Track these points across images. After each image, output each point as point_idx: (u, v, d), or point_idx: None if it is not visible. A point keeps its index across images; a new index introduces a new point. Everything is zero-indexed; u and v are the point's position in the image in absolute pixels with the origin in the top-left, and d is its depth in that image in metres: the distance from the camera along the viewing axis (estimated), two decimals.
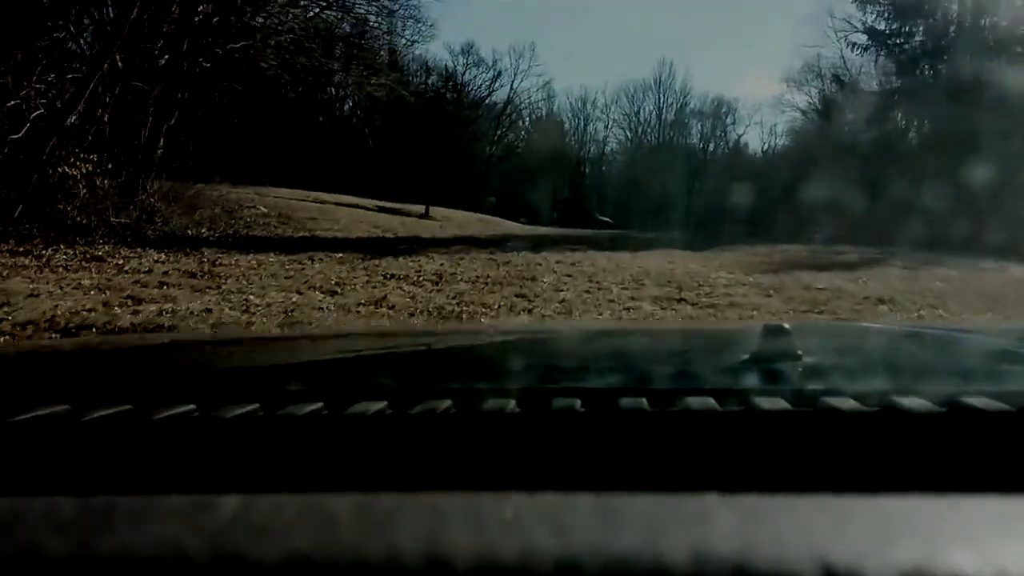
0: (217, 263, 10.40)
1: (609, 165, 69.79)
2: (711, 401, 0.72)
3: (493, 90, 52.68)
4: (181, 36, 15.29)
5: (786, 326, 1.05)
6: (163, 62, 16.11)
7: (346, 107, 47.72)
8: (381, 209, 28.42)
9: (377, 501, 0.48)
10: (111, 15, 15.60)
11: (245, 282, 9.05)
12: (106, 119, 14.43)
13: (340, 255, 12.25)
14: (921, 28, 26.86)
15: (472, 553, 0.42)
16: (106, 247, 11.15)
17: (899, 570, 0.41)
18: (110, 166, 13.97)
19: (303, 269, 10.50)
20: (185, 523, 0.44)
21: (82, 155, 13.17)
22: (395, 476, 0.58)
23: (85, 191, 13.01)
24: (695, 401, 0.72)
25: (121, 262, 10.02)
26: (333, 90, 46.67)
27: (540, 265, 12.86)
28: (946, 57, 22.97)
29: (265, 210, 17.87)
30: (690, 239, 19.53)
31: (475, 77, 49.91)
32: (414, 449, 0.64)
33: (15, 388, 0.96)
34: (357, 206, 27.86)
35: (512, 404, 0.72)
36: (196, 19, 15.95)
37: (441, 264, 12.27)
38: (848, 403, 0.71)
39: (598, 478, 0.54)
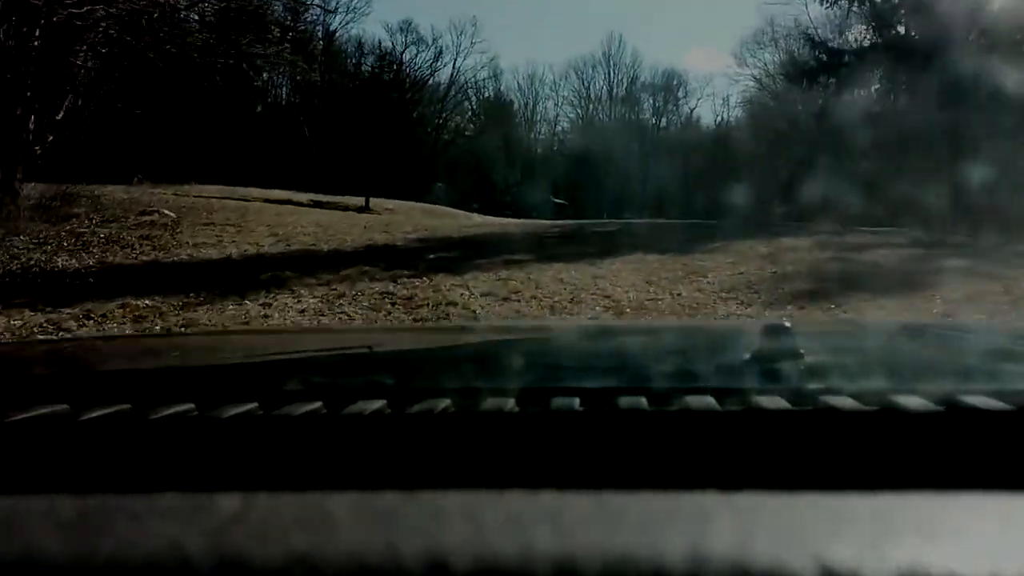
0: None
1: (561, 145, 67.94)
2: (710, 400, 0.73)
3: (436, 70, 50.02)
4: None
5: (786, 324, 1.07)
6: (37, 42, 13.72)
7: (283, 95, 45.26)
8: (316, 204, 26.27)
9: (377, 501, 0.49)
10: None
11: None
12: None
13: (147, 302, 8.54)
14: None
15: (471, 553, 0.42)
16: None
17: (897, 569, 0.42)
18: None
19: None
20: (184, 523, 0.45)
21: None
22: (394, 475, 0.56)
23: None
24: (694, 400, 0.73)
25: None
26: (268, 77, 44.15)
27: (455, 304, 8.81)
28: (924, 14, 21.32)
29: (171, 215, 15.64)
30: (660, 234, 15.16)
31: (415, 57, 47.46)
32: (413, 448, 0.64)
33: (14, 387, 0.96)
34: (290, 202, 25.67)
35: (511, 403, 0.73)
36: None
37: (303, 310, 8.62)
38: (847, 402, 0.72)
39: (597, 477, 0.54)
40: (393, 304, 8.81)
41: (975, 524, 0.50)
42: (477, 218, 30.03)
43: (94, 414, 0.68)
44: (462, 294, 9.20)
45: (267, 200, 24.51)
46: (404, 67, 40.28)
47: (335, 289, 9.42)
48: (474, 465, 0.61)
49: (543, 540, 0.43)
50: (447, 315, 8.12)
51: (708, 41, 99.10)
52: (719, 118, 67.14)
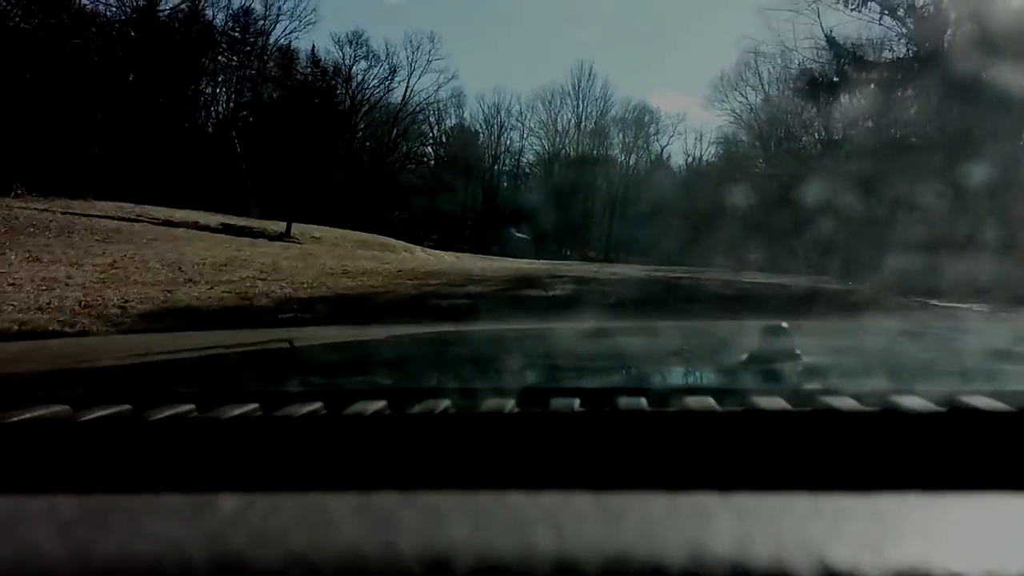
0: None
1: (525, 178, 64.80)
2: (710, 400, 0.74)
3: (388, 88, 46.21)
4: None
5: (784, 325, 1.08)
6: None
7: (220, 110, 41.60)
8: (226, 228, 22.52)
9: (377, 501, 0.49)
10: None
11: None
12: None
13: None
14: None
15: (472, 552, 0.43)
16: None
17: (896, 569, 0.42)
18: None
19: None
20: (184, 523, 0.46)
21: None
22: (394, 476, 0.57)
23: None
24: (694, 401, 0.74)
25: None
26: (209, 89, 40.53)
27: None
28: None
29: None
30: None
31: (365, 72, 43.59)
32: (413, 449, 0.64)
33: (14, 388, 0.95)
34: (196, 224, 21.89)
35: (511, 404, 0.73)
36: None
37: None
38: (847, 402, 0.73)
39: (597, 477, 0.54)
40: None
41: (975, 524, 0.50)
42: (420, 254, 26.48)
43: (94, 415, 0.68)
44: None
45: (167, 222, 20.78)
46: (351, 82, 37.02)
47: None
48: (474, 466, 0.60)
49: (544, 540, 0.43)
50: None
51: (680, 81, 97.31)
52: (690, 158, 64.50)
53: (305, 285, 9.01)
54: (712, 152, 59.66)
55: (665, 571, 0.41)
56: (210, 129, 39.87)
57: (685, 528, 0.46)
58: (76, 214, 17.95)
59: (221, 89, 41.83)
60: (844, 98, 23.79)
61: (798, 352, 1.02)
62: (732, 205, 52.19)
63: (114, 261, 9.92)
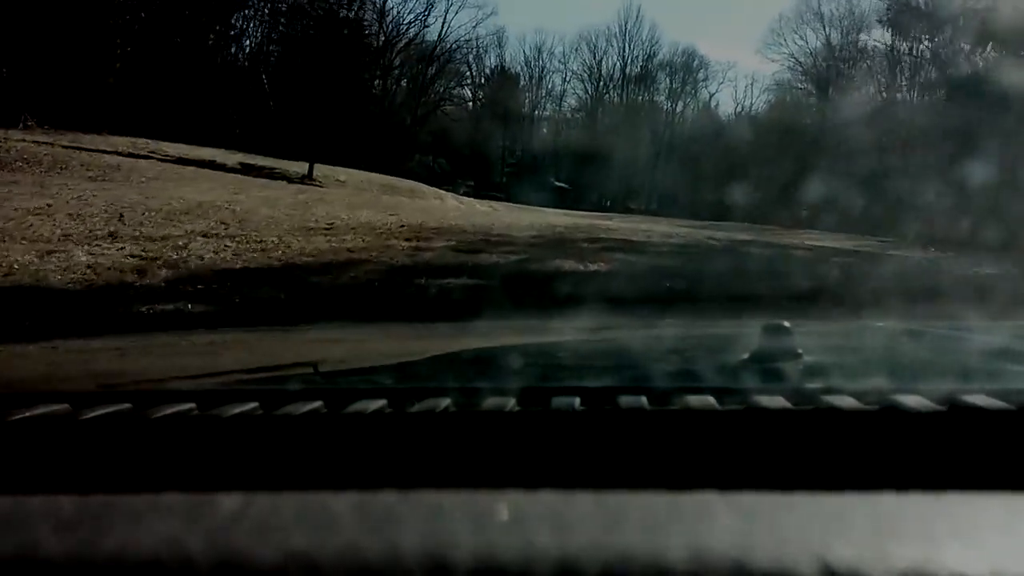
0: None
1: (566, 124, 62.46)
2: (711, 400, 0.73)
3: (426, 24, 43.70)
4: None
5: (786, 324, 1.07)
6: None
7: (252, 44, 40.00)
8: (244, 168, 21.14)
9: (377, 500, 0.49)
10: None
11: None
12: None
13: None
14: None
15: (472, 551, 0.43)
16: None
17: (899, 569, 0.42)
18: None
19: None
20: (184, 522, 0.46)
21: None
22: (395, 475, 0.56)
23: None
24: (695, 400, 0.73)
25: None
26: (232, 22, 38.86)
27: None
28: None
29: None
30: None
31: (400, 6, 40.97)
32: (413, 448, 0.64)
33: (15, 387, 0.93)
34: (211, 163, 20.53)
35: (512, 403, 0.73)
36: None
37: None
38: (848, 401, 0.73)
39: (598, 477, 0.54)
40: None
41: (977, 524, 0.50)
42: (451, 202, 24.83)
43: (95, 413, 0.68)
44: None
45: (180, 159, 19.42)
46: (384, 17, 34.89)
47: None
48: (475, 465, 0.59)
49: (544, 539, 0.44)
50: None
51: (731, 25, 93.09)
52: (740, 107, 61.58)
53: (259, 247, 6.74)
54: (764, 100, 56.79)
55: (667, 571, 0.41)
56: (243, 64, 38.43)
57: (686, 527, 0.46)
58: (80, 148, 16.65)
59: (253, 23, 40.29)
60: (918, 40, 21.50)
61: (799, 351, 1.02)
62: (784, 157, 49.68)
63: (50, 204, 8.28)
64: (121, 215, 7.26)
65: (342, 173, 24.49)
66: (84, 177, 12.37)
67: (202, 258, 6.07)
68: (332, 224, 7.89)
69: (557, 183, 58.25)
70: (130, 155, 17.66)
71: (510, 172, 58.64)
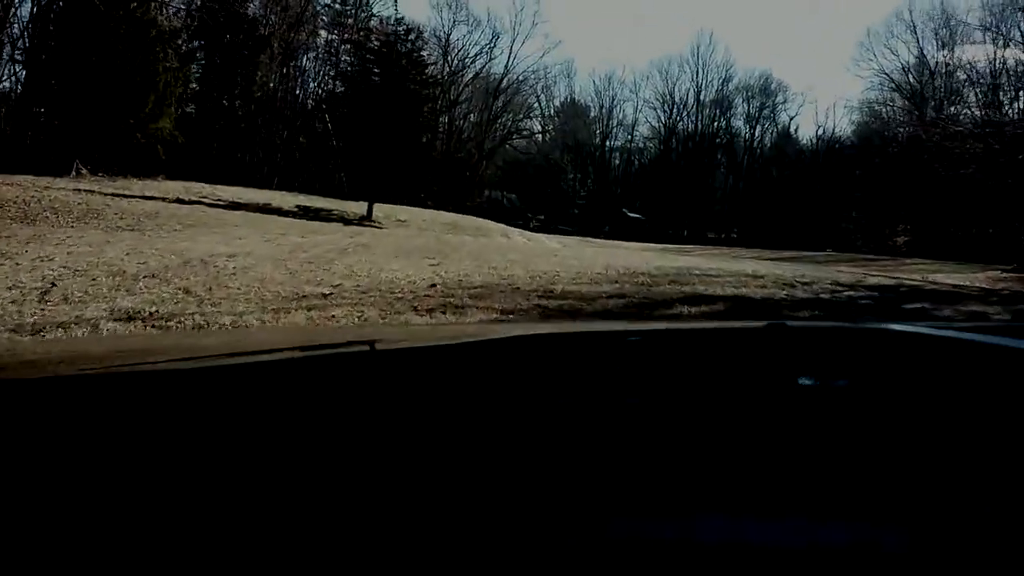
0: None
1: (638, 153, 60.63)
2: (711, 400, 0.74)
3: (491, 56, 42.61)
4: None
5: (788, 324, 1.10)
6: None
7: (315, 85, 39.71)
8: (302, 211, 20.04)
9: (376, 498, 0.49)
10: None
11: None
12: None
13: None
14: None
15: (475, 551, 0.42)
16: None
17: None
18: None
19: None
20: (184, 520, 0.45)
21: None
22: (395, 474, 0.56)
23: None
24: (696, 400, 0.74)
25: None
26: (298, 65, 38.60)
27: None
28: None
29: None
30: None
31: (465, 38, 40.07)
32: (413, 446, 0.62)
33: None
34: (266, 207, 19.51)
35: (513, 403, 0.73)
36: None
37: None
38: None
39: (598, 475, 0.54)
40: None
41: None
42: (518, 239, 23.22)
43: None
44: None
45: (233, 204, 18.40)
46: (448, 49, 33.90)
47: None
48: (476, 464, 0.57)
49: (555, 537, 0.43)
50: None
51: (809, 45, 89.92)
52: (821, 129, 58.76)
53: (195, 327, 4.69)
54: (849, 121, 53.94)
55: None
56: (304, 103, 38.04)
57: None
58: (124, 195, 15.71)
59: (316, 63, 40.01)
60: None
61: (799, 351, 1.04)
62: (873, 180, 46.76)
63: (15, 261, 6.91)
64: (54, 283, 5.73)
65: (404, 212, 23.27)
66: (109, 227, 11.23)
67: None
68: (337, 286, 6.12)
69: (631, 214, 56.41)
70: (176, 201, 16.67)
71: (582, 204, 57.11)
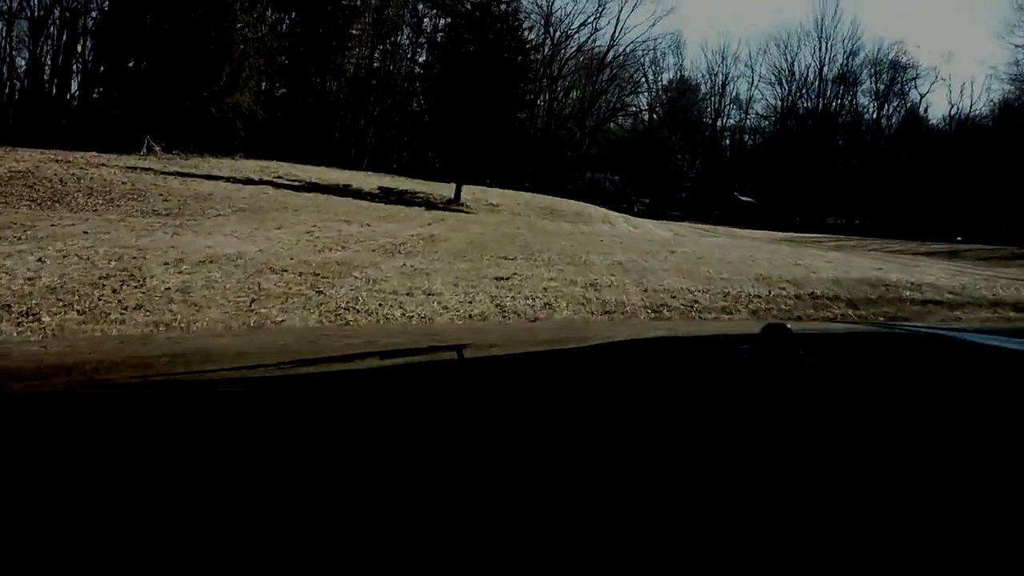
0: None
1: (752, 133, 56.76)
2: (712, 401, 0.74)
3: (596, 28, 39.64)
4: None
5: (788, 326, 1.09)
6: None
7: (412, 61, 37.98)
8: (384, 193, 18.20)
9: (375, 495, 0.49)
10: None
11: None
12: None
13: None
14: None
15: (470, 548, 0.42)
16: None
17: None
18: None
19: None
20: (184, 520, 0.45)
21: None
22: (394, 473, 0.56)
23: None
24: (697, 401, 0.74)
25: None
26: (396, 40, 36.96)
27: None
28: None
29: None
30: None
31: (569, 5, 36.91)
32: (413, 446, 0.62)
33: None
34: (345, 189, 17.75)
35: (513, 402, 0.73)
36: None
37: None
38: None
39: (599, 476, 0.54)
40: None
41: None
42: (622, 226, 20.73)
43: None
44: None
45: (310, 185, 16.67)
46: (550, 21, 31.43)
47: None
48: (474, 463, 0.58)
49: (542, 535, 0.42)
50: None
51: (944, 15, 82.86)
52: (955, 108, 53.59)
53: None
54: (987, 100, 48.71)
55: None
56: (396, 79, 36.41)
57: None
58: (183, 174, 14.17)
59: (412, 36, 38.30)
60: None
61: (801, 352, 1.02)
62: (1020, 163, 41.81)
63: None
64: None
65: (497, 195, 21.16)
66: (133, 213, 9.53)
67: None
68: (347, 324, 3.96)
69: (742, 198, 52.80)
70: (243, 181, 15.03)
71: (690, 187, 53.81)
